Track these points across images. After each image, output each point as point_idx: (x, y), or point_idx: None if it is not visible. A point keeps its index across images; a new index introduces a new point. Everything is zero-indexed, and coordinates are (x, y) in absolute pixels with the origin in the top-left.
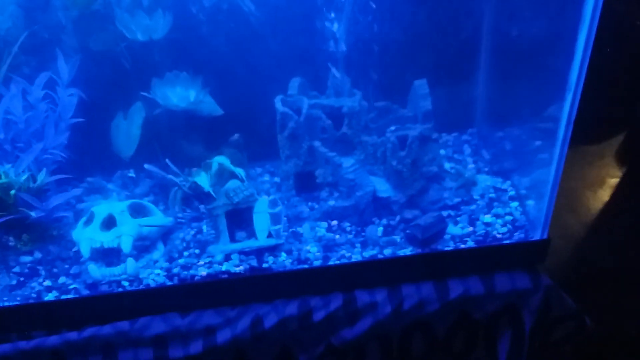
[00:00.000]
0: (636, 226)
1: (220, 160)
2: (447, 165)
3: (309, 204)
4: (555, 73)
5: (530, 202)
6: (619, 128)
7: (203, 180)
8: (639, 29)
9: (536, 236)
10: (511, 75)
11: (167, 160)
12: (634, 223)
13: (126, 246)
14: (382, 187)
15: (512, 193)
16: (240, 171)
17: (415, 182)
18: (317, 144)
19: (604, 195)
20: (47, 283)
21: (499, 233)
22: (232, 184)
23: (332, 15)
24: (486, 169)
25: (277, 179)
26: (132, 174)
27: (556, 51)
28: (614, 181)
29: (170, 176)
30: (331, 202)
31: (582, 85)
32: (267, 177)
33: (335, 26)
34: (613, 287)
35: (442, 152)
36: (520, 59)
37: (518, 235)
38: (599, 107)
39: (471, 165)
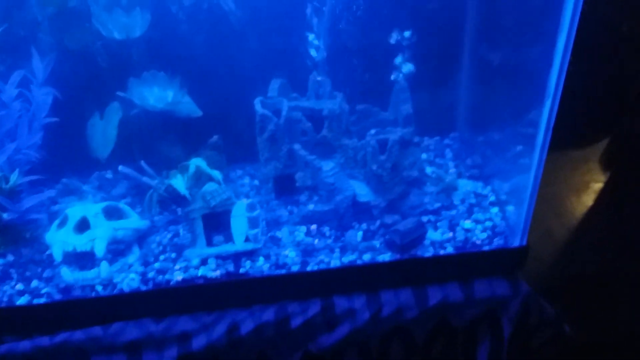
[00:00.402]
0: (620, 232)
1: (197, 162)
2: (428, 170)
3: (288, 207)
4: (536, 78)
5: (510, 208)
6: (604, 132)
7: (179, 183)
8: (622, 32)
9: (515, 243)
10: (493, 79)
11: (142, 162)
12: (617, 228)
13: (99, 250)
14: (362, 192)
15: (492, 198)
16: (217, 174)
17: (396, 187)
18: (296, 147)
19: (588, 200)
20: (19, 287)
21: (478, 239)
22: (209, 186)
23: (314, 16)
24: (467, 174)
25: (257, 182)
26: (109, 175)
27: (536, 56)
28: (598, 186)
29: (145, 179)
30: (310, 206)
31: (560, 92)
32: (247, 180)
33: (317, 27)
34: (595, 292)
35: (424, 156)
36: (502, 63)
37: (497, 242)
38: (583, 111)
39: (452, 170)
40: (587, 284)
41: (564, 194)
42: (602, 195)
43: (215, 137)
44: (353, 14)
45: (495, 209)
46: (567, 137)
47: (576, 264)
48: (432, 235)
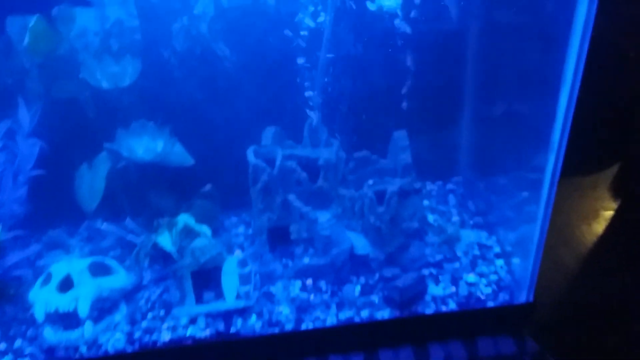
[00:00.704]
0: (633, 261)
1: (185, 218)
2: (431, 218)
3: (283, 260)
4: (542, 119)
5: (515, 261)
6: (613, 158)
7: (165, 240)
8: (631, 59)
9: (521, 298)
10: (497, 122)
11: (127, 219)
12: (630, 257)
13: (83, 310)
14: (360, 244)
15: (497, 250)
16: (206, 229)
17: (395, 239)
18: (291, 197)
19: (599, 228)
20: (2, 346)
21: (482, 294)
22: (198, 242)
23: (310, 62)
24: (471, 222)
25: (252, 231)
26: (97, 226)
27: (542, 97)
28: (608, 214)
29: (130, 235)
30: (306, 260)
31: (565, 146)
32: (241, 229)
33: (313, 73)
34: (607, 323)
35: (425, 202)
36: (507, 106)
37: (503, 297)
38: (592, 137)
39: (455, 218)
40: (598, 315)
41: (574, 222)
42: (612, 223)
43: (208, 186)
44: (350, 59)
45: (500, 262)
46: (576, 164)
47: (587, 293)
48: (434, 290)
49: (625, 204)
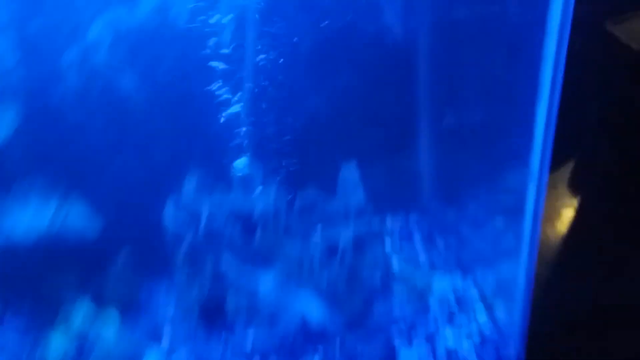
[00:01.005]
0: (599, 259)
1: (88, 305)
2: (395, 263)
3: (220, 341)
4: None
5: (499, 305)
6: (568, 154)
7: (62, 337)
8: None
9: (510, 353)
10: (464, 141)
11: (13, 313)
12: (595, 256)
13: None
14: (313, 309)
15: (475, 294)
16: (115, 315)
17: (355, 299)
18: (223, 261)
19: (562, 227)
20: None
21: (462, 354)
22: (107, 333)
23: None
24: (441, 262)
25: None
26: None
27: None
28: (570, 212)
29: (17, 334)
30: (249, 337)
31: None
32: (169, 302)
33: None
34: (582, 328)
35: (387, 244)
36: (474, 121)
37: (488, 354)
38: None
39: (422, 258)
40: (572, 320)
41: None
42: (576, 222)
43: (122, 254)
44: (282, 85)
45: (480, 308)
46: None
47: (556, 298)
48: (406, 356)
49: (585, 200)
